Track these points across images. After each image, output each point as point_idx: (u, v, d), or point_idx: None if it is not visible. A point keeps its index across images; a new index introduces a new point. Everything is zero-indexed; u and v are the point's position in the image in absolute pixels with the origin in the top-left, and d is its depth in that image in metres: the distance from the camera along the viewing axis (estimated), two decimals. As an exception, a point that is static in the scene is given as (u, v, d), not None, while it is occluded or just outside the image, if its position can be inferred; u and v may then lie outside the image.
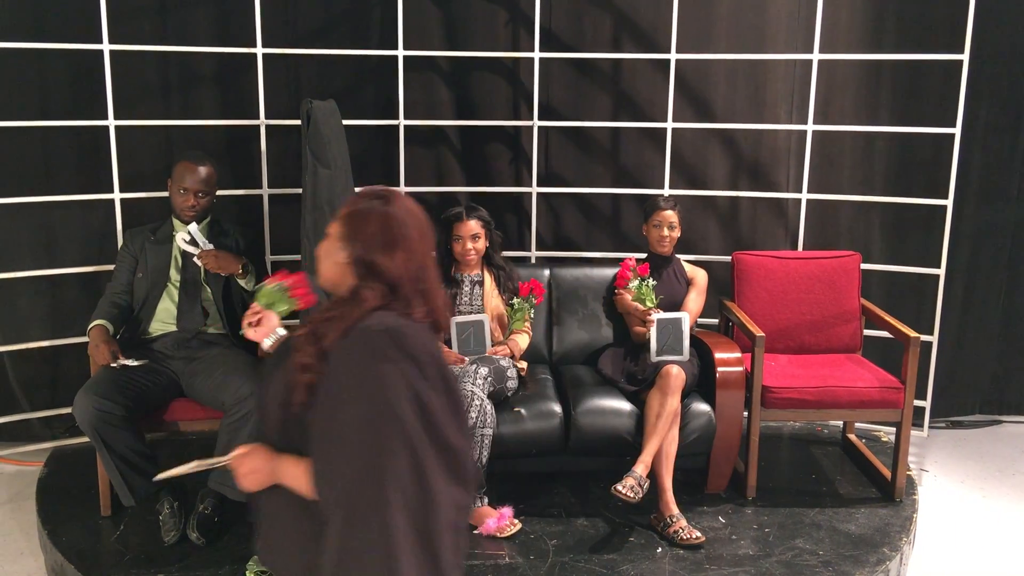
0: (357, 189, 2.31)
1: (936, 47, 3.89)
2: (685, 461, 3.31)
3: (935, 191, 3.99)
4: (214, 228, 3.33)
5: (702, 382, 3.38)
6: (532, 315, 3.58)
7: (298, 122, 3.45)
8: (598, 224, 4.20)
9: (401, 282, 1.69)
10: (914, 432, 3.63)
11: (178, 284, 3.26)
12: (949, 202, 3.86)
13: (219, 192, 3.38)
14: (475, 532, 3.10)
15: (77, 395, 2.95)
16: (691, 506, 3.30)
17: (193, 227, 3.22)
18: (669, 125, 3.95)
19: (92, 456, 3.12)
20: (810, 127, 3.95)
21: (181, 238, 3.23)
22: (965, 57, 3.74)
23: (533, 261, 4.07)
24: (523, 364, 3.51)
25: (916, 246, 4.16)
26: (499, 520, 3.10)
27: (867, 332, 3.85)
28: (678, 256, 3.70)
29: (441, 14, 3.96)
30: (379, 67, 3.93)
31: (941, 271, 3.90)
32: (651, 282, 3.50)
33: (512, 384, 3.32)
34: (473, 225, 3.44)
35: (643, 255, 3.69)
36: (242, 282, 3.26)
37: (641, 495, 3.01)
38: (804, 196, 4.02)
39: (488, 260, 3.54)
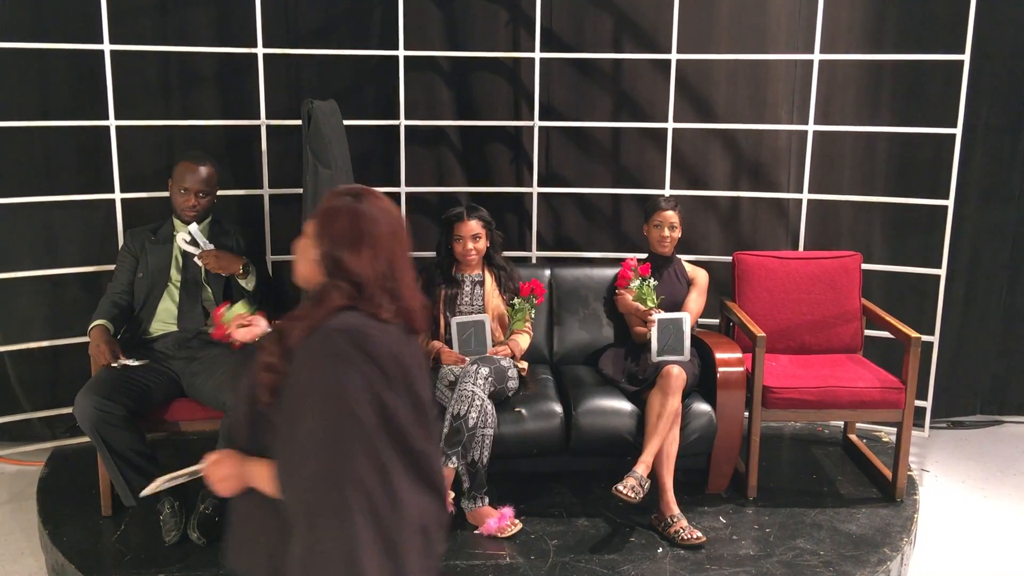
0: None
1: (937, 47, 3.89)
2: (686, 461, 3.31)
3: (936, 191, 3.99)
4: (215, 228, 3.33)
5: (703, 382, 3.38)
6: (533, 315, 3.58)
7: (299, 122, 3.45)
8: (599, 224, 4.20)
9: (367, 281, 1.67)
10: (915, 432, 3.63)
11: (179, 284, 3.26)
12: (950, 202, 3.86)
13: (220, 192, 3.38)
14: (476, 532, 3.10)
15: (78, 395, 2.95)
16: (692, 506, 3.30)
17: (193, 227, 3.22)
18: (670, 125, 3.95)
19: (93, 456, 3.12)
20: (811, 127, 3.95)
21: (181, 238, 3.23)
22: (966, 57, 3.74)
23: (534, 261, 4.07)
24: (524, 364, 3.51)
25: (917, 246, 4.16)
26: (500, 520, 3.10)
27: (868, 332, 3.85)
28: (679, 256, 3.70)
29: (442, 14, 3.96)
30: (380, 67, 3.93)
31: (942, 271, 3.90)
32: (652, 282, 3.50)
33: (513, 384, 3.32)
34: (474, 225, 3.44)
35: (644, 255, 3.69)
36: (243, 282, 3.26)
37: (642, 495, 3.01)
38: (805, 196, 4.01)
39: (489, 260, 3.54)
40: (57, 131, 3.71)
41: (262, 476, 1.66)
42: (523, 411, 3.24)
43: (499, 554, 2.99)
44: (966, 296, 4.34)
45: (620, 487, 2.99)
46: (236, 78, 3.84)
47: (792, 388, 3.36)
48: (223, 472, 1.72)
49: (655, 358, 3.30)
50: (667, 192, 3.98)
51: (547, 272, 3.81)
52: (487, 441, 3.08)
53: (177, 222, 3.29)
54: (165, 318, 3.25)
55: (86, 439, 3.08)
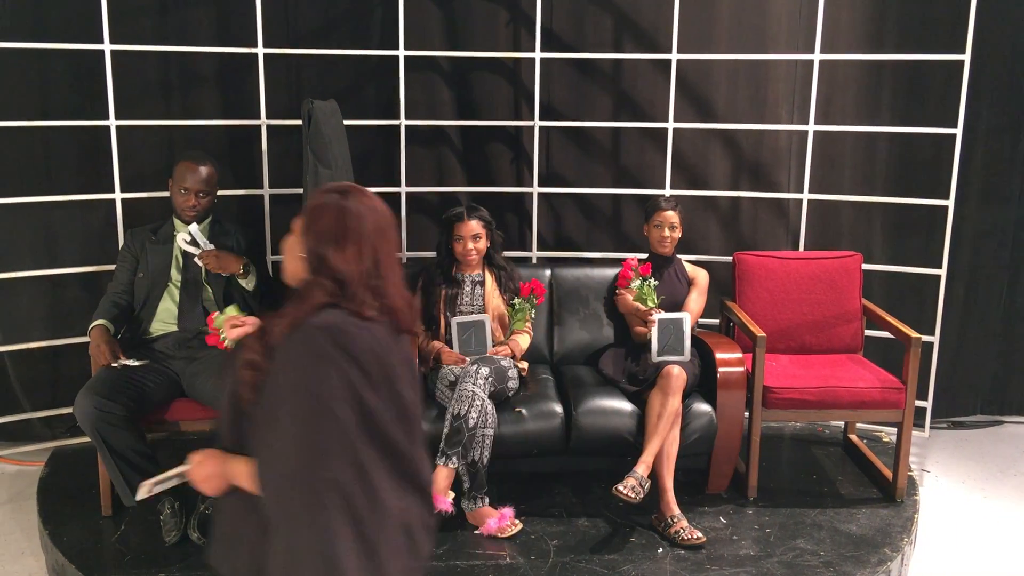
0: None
1: (937, 47, 3.89)
2: (686, 461, 3.30)
3: (936, 191, 3.99)
4: (215, 228, 3.33)
5: (703, 382, 3.38)
6: (533, 315, 3.58)
7: (299, 122, 3.45)
8: (599, 224, 4.20)
9: (351, 278, 1.66)
10: (915, 432, 3.63)
11: (179, 284, 3.26)
12: (950, 202, 3.86)
13: (220, 192, 3.37)
14: (476, 532, 3.10)
15: (78, 395, 2.95)
16: (692, 506, 3.30)
17: (193, 227, 3.22)
18: (670, 125, 3.95)
19: (93, 456, 3.12)
20: (811, 127, 3.95)
21: (182, 239, 3.23)
22: (966, 57, 3.74)
23: (534, 261, 4.07)
24: (524, 364, 3.51)
25: (917, 246, 4.16)
26: (500, 520, 3.10)
27: (868, 332, 3.85)
28: (679, 256, 3.70)
29: (442, 14, 3.96)
30: (380, 67, 3.93)
31: (942, 271, 3.90)
32: (652, 282, 3.50)
33: (513, 384, 3.31)
34: (474, 225, 3.44)
35: (644, 255, 3.69)
36: (243, 282, 3.26)
37: (642, 495, 3.01)
38: (805, 196, 4.01)
39: (489, 260, 3.54)
40: (57, 131, 3.71)
41: (244, 474, 1.66)
42: (523, 411, 3.24)
43: (499, 554, 2.99)
44: (966, 296, 4.34)
45: (620, 487, 2.99)
46: (236, 78, 3.84)
47: (792, 388, 3.36)
48: (206, 471, 1.72)
49: (655, 358, 3.30)
50: (667, 192, 3.97)
51: (547, 272, 3.81)
52: (487, 441, 3.08)
53: (177, 222, 3.29)
54: (165, 318, 3.25)
55: (86, 439, 3.08)
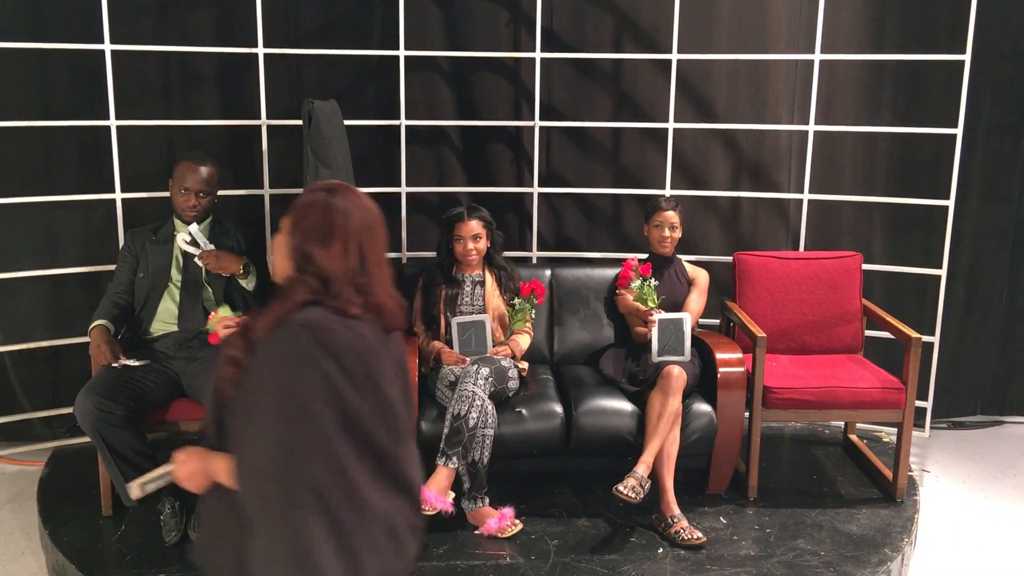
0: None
1: (938, 47, 3.89)
2: (686, 461, 3.30)
3: (937, 192, 3.99)
4: (215, 228, 3.33)
5: (703, 382, 3.38)
6: (533, 315, 3.58)
7: (299, 122, 3.45)
8: (599, 224, 4.20)
9: (335, 276, 1.66)
10: (915, 433, 3.63)
11: (179, 284, 3.26)
12: (951, 203, 3.86)
13: (220, 192, 3.37)
14: (476, 532, 3.10)
15: (78, 395, 2.95)
16: (692, 506, 3.30)
17: (194, 228, 3.22)
18: (670, 125, 3.95)
19: (93, 456, 3.12)
20: (811, 127, 3.95)
21: (182, 239, 3.23)
22: (967, 57, 3.74)
23: (534, 261, 4.07)
24: (524, 364, 3.51)
25: (917, 247, 4.16)
26: (500, 520, 3.10)
27: (868, 333, 3.85)
28: (679, 256, 3.70)
29: (442, 14, 3.96)
30: (380, 67, 3.93)
31: (942, 271, 3.90)
32: (653, 282, 3.50)
33: (513, 384, 3.31)
34: (474, 225, 3.44)
35: (644, 255, 3.69)
36: (243, 282, 3.26)
37: (642, 495, 3.01)
38: (805, 196, 4.01)
39: (489, 260, 3.54)
40: (58, 131, 3.71)
41: (225, 472, 1.65)
42: (523, 411, 3.24)
43: (499, 554, 2.99)
44: (966, 296, 4.34)
45: (621, 487, 2.99)
46: (237, 78, 3.84)
47: (792, 388, 3.36)
48: (189, 469, 1.72)
49: (656, 358, 3.30)
50: (668, 192, 3.97)
51: (548, 272, 3.81)
52: (487, 441, 3.08)
53: (178, 222, 3.29)
54: (166, 318, 3.25)
55: (86, 439, 3.08)
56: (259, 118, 3.77)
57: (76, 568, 2.89)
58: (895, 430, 3.45)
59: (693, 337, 3.40)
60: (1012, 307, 4.40)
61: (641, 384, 3.30)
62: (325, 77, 3.91)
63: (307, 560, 1.55)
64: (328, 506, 1.56)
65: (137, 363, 3.06)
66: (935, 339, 3.91)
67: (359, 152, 3.70)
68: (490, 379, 3.15)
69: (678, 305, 3.56)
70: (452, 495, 3.05)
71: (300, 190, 3.24)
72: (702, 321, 3.76)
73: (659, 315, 3.34)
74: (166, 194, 3.32)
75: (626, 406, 3.28)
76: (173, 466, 1.76)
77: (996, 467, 4.02)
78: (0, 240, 3.75)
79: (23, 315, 3.82)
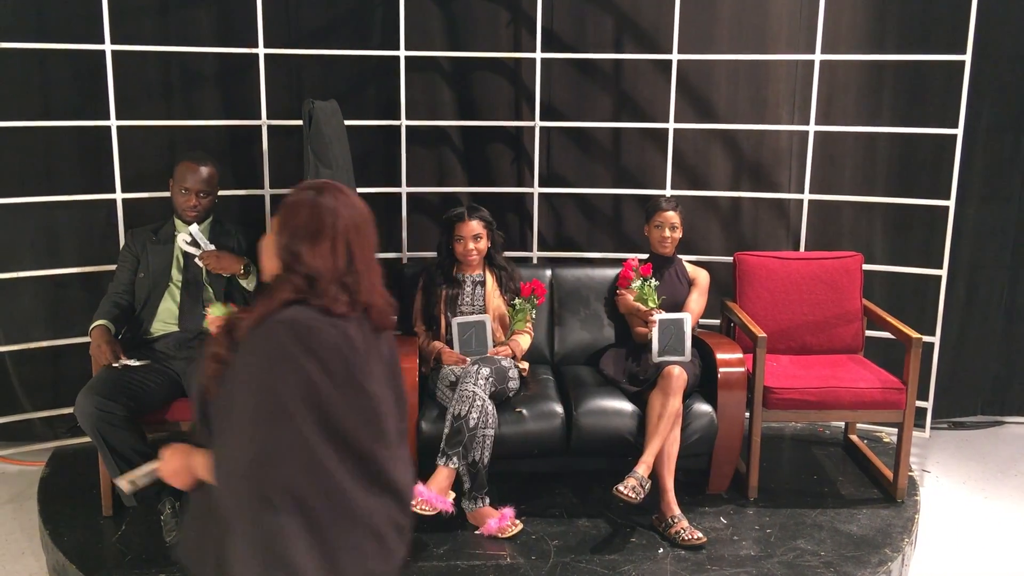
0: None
1: (938, 47, 3.89)
2: (687, 462, 3.30)
3: (937, 192, 3.99)
4: (216, 228, 3.33)
5: (704, 383, 3.38)
6: (534, 315, 3.58)
7: (300, 122, 3.45)
8: (600, 224, 4.20)
9: (322, 274, 1.65)
10: (916, 433, 3.63)
11: (180, 284, 3.26)
12: (951, 203, 3.86)
13: (221, 192, 3.38)
14: (476, 532, 3.10)
15: (78, 395, 2.95)
16: (693, 507, 3.30)
17: (194, 228, 3.22)
18: (671, 126, 3.95)
19: (94, 456, 3.12)
20: (812, 128, 3.95)
21: (182, 239, 3.24)
22: (967, 57, 3.74)
23: (535, 261, 4.07)
24: (525, 364, 3.51)
25: (918, 247, 4.16)
26: (500, 520, 3.10)
27: (869, 333, 3.85)
28: (680, 257, 3.70)
29: (443, 14, 3.96)
30: (381, 67, 3.93)
31: (943, 272, 3.90)
32: (653, 282, 3.50)
33: (514, 384, 3.32)
34: (475, 225, 3.44)
35: (645, 255, 3.69)
36: (244, 282, 3.26)
37: (643, 496, 3.01)
38: (806, 197, 4.01)
39: (490, 260, 3.54)
40: (58, 131, 3.71)
41: (205, 468, 1.66)
42: (524, 411, 3.24)
43: (500, 554, 2.99)
44: (967, 296, 4.34)
45: (621, 487, 2.99)
46: (237, 78, 3.84)
47: (793, 388, 3.36)
48: (173, 466, 1.72)
49: (656, 358, 3.30)
50: (668, 192, 3.97)
51: (548, 272, 3.81)
52: (488, 441, 3.08)
53: (178, 222, 3.29)
54: (166, 318, 3.25)
55: (87, 439, 3.08)
56: (259, 118, 3.77)
57: (76, 568, 2.89)
58: (895, 430, 3.45)
59: (693, 337, 3.40)
60: (1012, 307, 4.40)
61: (641, 384, 3.30)
62: (325, 77, 3.91)
63: (283, 560, 1.54)
64: (305, 506, 1.55)
65: (137, 363, 3.06)
66: (935, 339, 3.91)
67: (359, 152, 3.70)
68: (490, 379, 3.15)
69: (678, 305, 3.56)
70: (452, 495, 3.05)
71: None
72: (703, 321, 3.76)
73: (659, 315, 3.34)
74: (167, 194, 3.32)
75: (626, 406, 3.28)
76: (158, 462, 1.77)
77: (996, 467, 4.02)
78: (0, 240, 3.75)
79: (24, 315, 3.82)
